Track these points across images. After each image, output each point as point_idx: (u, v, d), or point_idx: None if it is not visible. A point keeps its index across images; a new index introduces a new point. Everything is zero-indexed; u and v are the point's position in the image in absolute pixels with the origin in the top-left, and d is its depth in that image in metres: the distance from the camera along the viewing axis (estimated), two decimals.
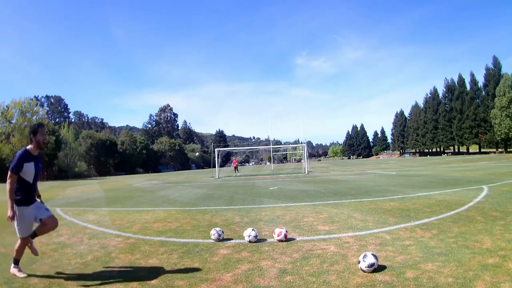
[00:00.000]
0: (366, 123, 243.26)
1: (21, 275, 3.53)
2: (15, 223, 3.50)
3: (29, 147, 3.60)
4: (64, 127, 71.31)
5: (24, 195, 3.53)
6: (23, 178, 3.50)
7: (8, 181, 3.41)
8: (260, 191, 12.83)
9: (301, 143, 28.30)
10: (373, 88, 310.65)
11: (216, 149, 26.53)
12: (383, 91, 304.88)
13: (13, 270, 3.62)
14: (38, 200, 3.78)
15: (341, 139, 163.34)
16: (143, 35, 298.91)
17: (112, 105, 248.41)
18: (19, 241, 3.61)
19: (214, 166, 26.16)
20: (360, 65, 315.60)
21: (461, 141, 75.89)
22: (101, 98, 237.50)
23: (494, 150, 71.19)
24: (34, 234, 3.69)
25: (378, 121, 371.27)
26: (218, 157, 26.25)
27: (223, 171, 32.01)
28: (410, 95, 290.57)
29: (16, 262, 3.66)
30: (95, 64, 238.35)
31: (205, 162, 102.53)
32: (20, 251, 3.65)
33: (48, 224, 3.65)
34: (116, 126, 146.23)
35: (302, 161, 57.59)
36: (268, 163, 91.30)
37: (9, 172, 3.43)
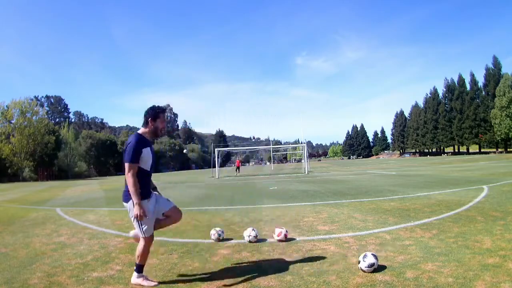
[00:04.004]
0: (366, 123, 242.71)
1: (152, 283, 3.11)
2: (136, 222, 3.06)
3: (141, 131, 3.16)
4: (64, 127, 71.37)
5: (144, 186, 3.06)
6: (141, 168, 3.03)
7: (129, 174, 2.91)
8: (260, 191, 12.85)
9: (301, 143, 28.26)
10: (373, 88, 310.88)
11: (216, 149, 26.56)
12: (383, 91, 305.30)
13: (137, 280, 3.13)
14: (155, 192, 3.34)
15: (341, 139, 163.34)
16: (143, 35, 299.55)
17: (112, 105, 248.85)
18: (142, 243, 3.13)
19: (214, 166, 26.18)
20: (360, 65, 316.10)
21: (461, 141, 75.95)
22: (101, 98, 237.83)
23: (494, 150, 71.26)
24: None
25: (378, 121, 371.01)
26: (218, 157, 26.26)
27: (222, 171, 32.10)
28: (410, 95, 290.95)
29: (140, 269, 3.17)
30: (95, 64, 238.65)
31: (205, 162, 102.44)
32: (145, 255, 3.17)
33: (173, 217, 3.35)
34: (116, 126, 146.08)
35: (302, 161, 57.59)
36: (268, 163, 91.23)
37: (127, 164, 2.94)
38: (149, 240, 3.14)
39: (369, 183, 13.40)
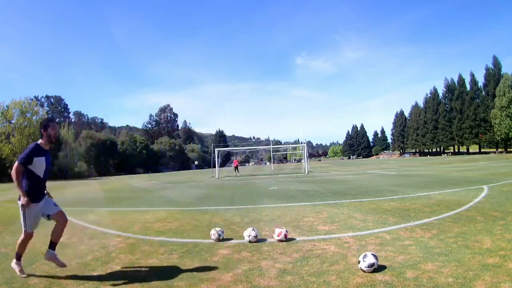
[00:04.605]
0: (366, 123, 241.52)
1: (21, 275, 3.51)
2: (22, 217, 3.50)
3: (40, 141, 3.62)
4: (64, 127, 71.32)
5: (35, 190, 3.53)
6: (34, 172, 3.50)
7: (14, 171, 3.39)
8: (260, 191, 12.85)
9: (301, 143, 27.97)
10: (373, 88, 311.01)
11: (216, 149, 26.50)
12: (383, 91, 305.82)
13: (14, 265, 3.61)
14: (46, 195, 3.74)
15: (341, 139, 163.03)
16: (143, 35, 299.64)
17: (112, 105, 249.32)
18: (22, 236, 3.59)
19: (214, 166, 26.13)
20: (360, 65, 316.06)
21: (461, 141, 75.78)
22: (101, 98, 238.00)
23: (494, 150, 71.20)
24: (53, 245, 3.66)
25: (378, 121, 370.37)
26: (218, 157, 26.23)
27: (223, 171, 32.14)
28: (410, 95, 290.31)
29: (18, 257, 3.64)
30: (95, 64, 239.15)
31: (205, 162, 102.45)
32: (22, 246, 3.63)
33: (60, 221, 3.68)
34: (117, 126, 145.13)
35: (302, 161, 57.53)
36: (268, 163, 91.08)
37: (16, 163, 3.42)
38: (28, 235, 3.59)
39: (369, 183, 13.40)
